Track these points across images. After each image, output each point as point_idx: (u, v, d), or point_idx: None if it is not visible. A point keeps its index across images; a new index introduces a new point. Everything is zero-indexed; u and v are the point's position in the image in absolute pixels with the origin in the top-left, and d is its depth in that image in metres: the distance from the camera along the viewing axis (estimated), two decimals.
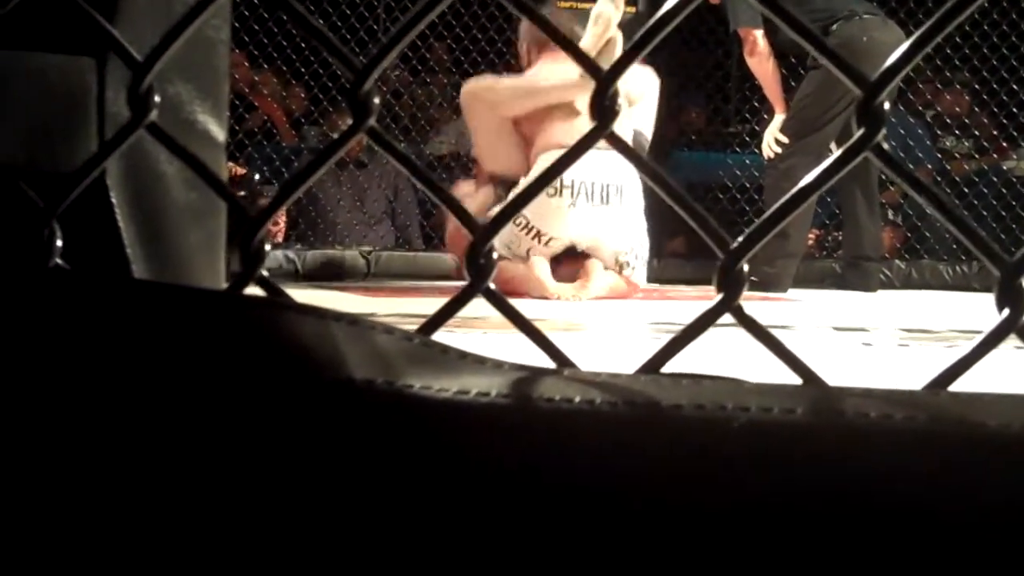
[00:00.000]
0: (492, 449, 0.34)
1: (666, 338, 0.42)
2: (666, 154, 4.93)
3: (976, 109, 5.05)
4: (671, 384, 0.35)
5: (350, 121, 0.47)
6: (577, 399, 0.34)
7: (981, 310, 2.88)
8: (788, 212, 0.41)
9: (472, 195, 3.37)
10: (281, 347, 0.37)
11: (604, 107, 0.43)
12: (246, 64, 4.80)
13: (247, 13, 4.52)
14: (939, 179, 4.78)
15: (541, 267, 2.98)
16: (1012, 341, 0.40)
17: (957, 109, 5.04)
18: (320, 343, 0.37)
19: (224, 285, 0.72)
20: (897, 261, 4.59)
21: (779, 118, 3.89)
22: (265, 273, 0.48)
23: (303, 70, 4.83)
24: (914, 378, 0.38)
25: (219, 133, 0.70)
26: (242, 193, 4.33)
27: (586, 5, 3.09)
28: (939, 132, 5.05)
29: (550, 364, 0.42)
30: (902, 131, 4.74)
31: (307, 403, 0.36)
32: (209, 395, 0.37)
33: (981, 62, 4.81)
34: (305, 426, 0.35)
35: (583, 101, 3.04)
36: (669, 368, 0.41)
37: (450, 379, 0.36)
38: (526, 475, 0.33)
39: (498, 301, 0.45)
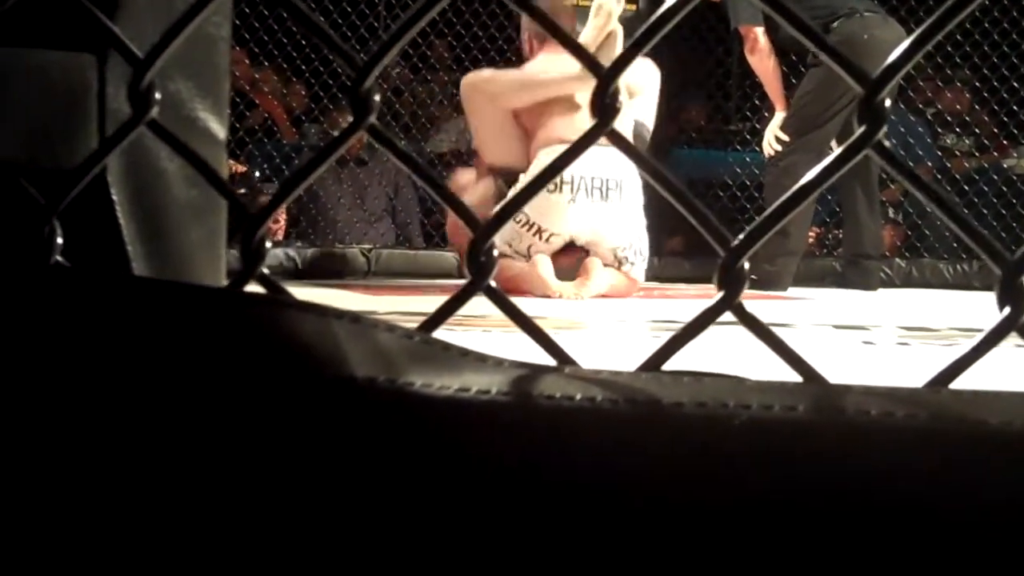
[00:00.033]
0: (493, 447, 0.34)
1: (666, 336, 0.42)
2: (666, 152, 4.93)
3: (976, 107, 5.05)
4: (672, 382, 0.35)
5: (351, 119, 0.47)
6: (578, 397, 0.34)
7: (981, 309, 2.88)
8: (789, 210, 0.41)
9: (472, 185, 3.37)
10: (282, 345, 0.37)
11: (605, 105, 0.43)
12: (247, 61, 4.80)
13: (248, 10, 4.52)
14: (939, 177, 4.78)
15: (544, 265, 2.98)
16: (1013, 339, 0.40)
17: (958, 107, 5.04)
18: (321, 341, 0.37)
19: (225, 283, 0.72)
20: (897, 259, 4.59)
21: (779, 116, 3.89)
22: (265, 271, 0.48)
23: (304, 68, 4.83)
24: (914, 376, 0.38)
25: (220, 130, 0.70)
26: (242, 191, 4.33)
27: (586, 2, 3.08)
28: (939, 130, 5.05)
29: (551, 362, 0.42)
30: (902, 129, 4.74)
31: (308, 401, 0.36)
32: (210, 393, 0.37)
33: (982, 60, 4.81)
34: (306, 424, 0.35)
35: (583, 95, 3.04)
36: (670, 366, 0.41)
37: (451, 377, 0.36)
38: (527, 473, 0.33)
39: (499, 299, 0.45)
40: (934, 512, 0.30)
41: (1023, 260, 0.38)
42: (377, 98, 0.46)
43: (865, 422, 0.31)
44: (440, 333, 0.41)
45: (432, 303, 0.44)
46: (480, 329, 1.68)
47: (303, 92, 5.07)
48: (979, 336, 0.39)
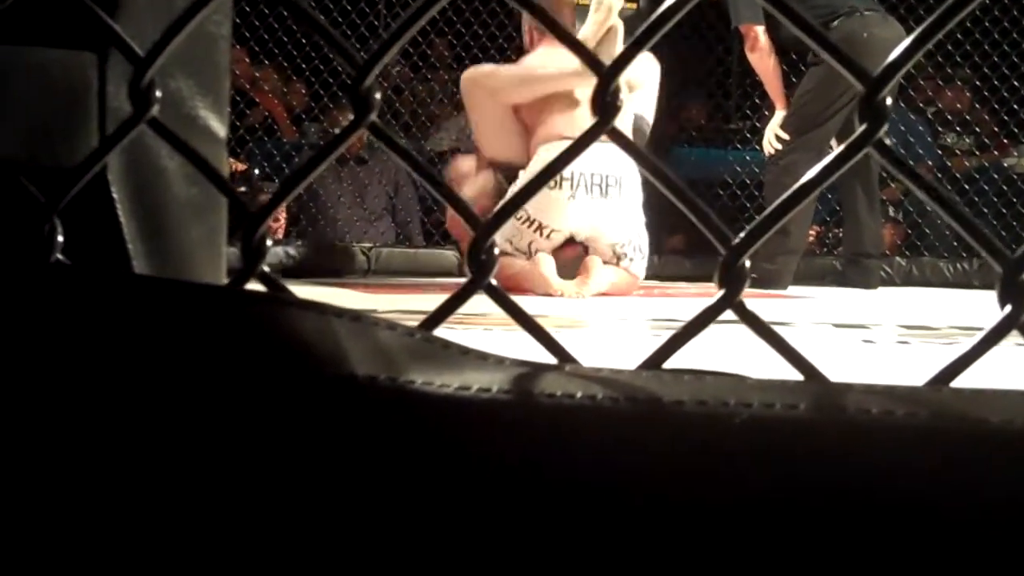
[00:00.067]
0: (494, 445, 0.34)
1: (667, 335, 0.42)
2: (666, 150, 4.93)
3: (977, 106, 5.05)
4: (673, 380, 0.35)
5: (351, 117, 0.47)
6: (579, 395, 0.34)
7: (982, 307, 2.88)
8: (790, 208, 0.41)
9: (471, 174, 3.36)
10: (283, 343, 0.37)
11: (606, 103, 0.43)
12: (247, 60, 4.80)
13: (248, 9, 4.52)
14: (940, 176, 4.78)
15: (546, 264, 2.98)
16: (1013, 338, 0.40)
17: (958, 106, 5.04)
18: (322, 339, 0.37)
19: (225, 281, 0.72)
20: (898, 258, 4.59)
21: (780, 114, 3.89)
22: (266, 269, 0.48)
23: (304, 66, 4.83)
24: (915, 375, 0.38)
25: (220, 129, 0.70)
26: (242, 189, 4.33)
27: (586, 1, 3.08)
28: (940, 129, 5.04)
29: (552, 360, 0.42)
30: (903, 128, 4.74)
31: (309, 399, 0.36)
32: (211, 391, 0.36)
33: (982, 59, 4.81)
34: (307, 422, 0.35)
35: (582, 91, 3.05)
36: (671, 364, 0.41)
37: (452, 375, 0.36)
38: (527, 471, 0.33)
39: (499, 297, 0.45)
40: (935, 510, 0.30)
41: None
42: (378, 96, 0.46)
43: (866, 420, 0.31)
44: (441, 331, 0.41)
45: (432, 302, 0.44)
46: (481, 327, 1.68)
47: (303, 91, 5.08)
48: (980, 334, 0.39)
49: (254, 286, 0.46)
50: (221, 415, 0.36)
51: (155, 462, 0.36)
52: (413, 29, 0.46)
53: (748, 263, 0.41)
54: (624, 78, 0.44)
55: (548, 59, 3.10)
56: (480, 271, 0.44)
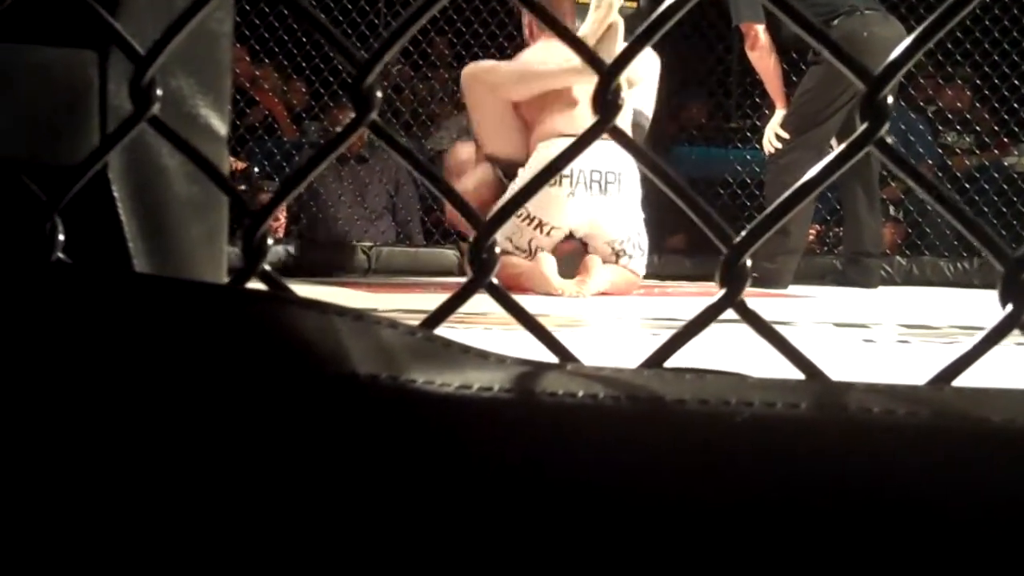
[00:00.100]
0: (495, 444, 0.34)
1: (667, 334, 0.42)
2: (667, 149, 4.93)
3: (977, 105, 5.05)
4: (674, 379, 0.35)
5: (351, 116, 0.47)
6: (580, 394, 0.34)
7: (982, 306, 2.88)
8: (791, 207, 0.41)
9: (471, 163, 3.36)
10: (284, 342, 0.37)
11: (607, 101, 0.43)
12: (247, 59, 4.80)
13: (248, 8, 4.52)
14: (940, 175, 4.77)
15: (548, 263, 2.98)
16: (1014, 337, 0.40)
17: (958, 104, 5.04)
18: (323, 338, 0.37)
19: (226, 279, 0.72)
20: (898, 257, 4.59)
21: (780, 113, 3.88)
22: (267, 267, 0.48)
23: (304, 65, 4.83)
24: (915, 374, 0.38)
25: (221, 127, 0.70)
26: (242, 187, 4.33)
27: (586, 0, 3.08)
28: (940, 128, 5.04)
29: (553, 359, 0.42)
30: (903, 126, 4.74)
31: (310, 398, 0.36)
32: (212, 390, 0.36)
33: (983, 57, 4.81)
34: (308, 421, 0.35)
35: (581, 88, 3.05)
36: (672, 363, 0.41)
37: (453, 374, 0.36)
38: (529, 470, 0.33)
39: (501, 296, 0.45)
40: (936, 509, 0.30)
41: None
42: (379, 95, 0.46)
43: (867, 419, 0.31)
44: (441, 331, 0.41)
45: (433, 301, 0.44)
46: (481, 327, 1.68)
47: (303, 89, 5.07)
48: (981, 333, 0.39)
49: (255, 285, 0.46)
50: (222, 414, 0.36)
51: (156, 462, 0.36)
52: (414, 28, 0.46)
53: (749, 262, 0.41)
54: (624, 75, 0.44)
55: (547, 54, 3.10)
56: (481, 270, 0.44)
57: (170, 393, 0.37)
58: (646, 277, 3.33)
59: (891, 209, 4.87)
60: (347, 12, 4.65)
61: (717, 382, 0.34)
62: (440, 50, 5.20)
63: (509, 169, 3.23)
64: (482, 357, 0.38)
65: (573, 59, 2.96)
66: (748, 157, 4.90)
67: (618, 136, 0.45)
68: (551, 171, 0.46)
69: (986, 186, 4.74)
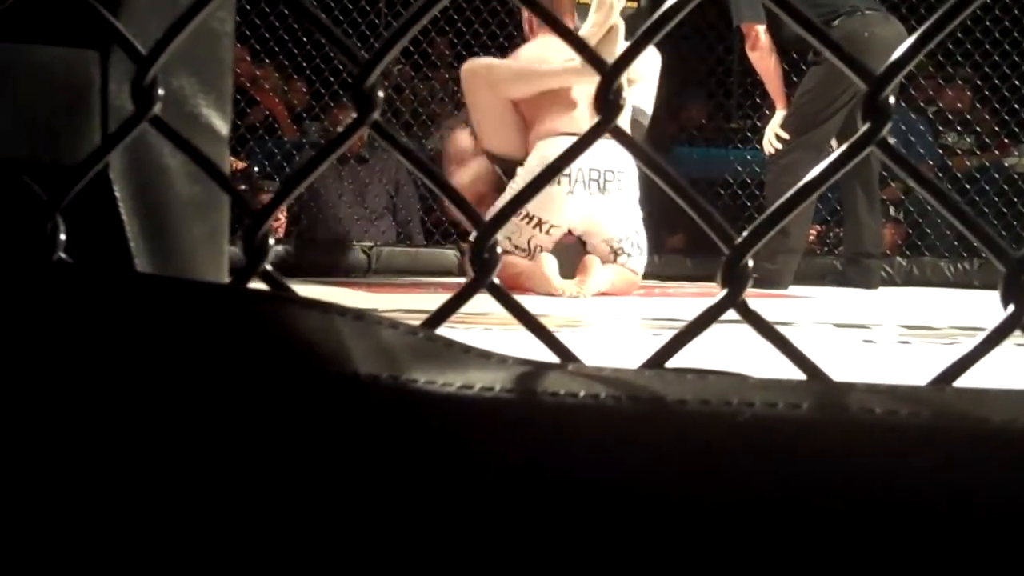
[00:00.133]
0: (496, 443, 0.34)
1: (668, 334, 0.42)
2: (667, 149, 4.93)
3: (978, 105, 5.05)
4: (675, 379, 0.35)
5: (352, 116, 0.47)
6: (581, 394, 0.34)
7: (983, 307, 2.88)
8: (793, 207, 0.41)
9: (469, 152, 3.36)
10: (285, 341, 0.37)
11: (609, 101, 0.43)
12: (248, 59, 4.80)
13: (248, 7, 4.52)
14: (940, 175, 4.77)
15: (549, 264, 2.98)
16: (1014, 338, 0.40)
17: (959, 105, 5.04)
18: (324, 337, 0.37)
19: (227, 279, 0.72)
20: (898, 258, 4.59)
21: (780, 114, 3.89)
22: (269, 267, 0.48)
23: (305, 65, 4.83)
24: (916, 375, 0.38)
25: (222, 127, 0.70)
26: (242, 187, 4.32)
27: (587, 0, 3.08)
28: (941, 128, 5.04)
29: (554, 360, 0.42)
30: (903, 127, 4.74)
31: (312, 398, 0.36)
32: (213, 389, 0.36)
33: (983, 58, 4.81)
34: (310, 421, 0.35)
35: (581, 88, 3.05)
36: (673, 363, 0.41)
37: (454, 374, 0.36)
38: (530, 470, 0.33)
39: (502, 296, 0.45)
40: (937, 510, 0.30)
41: None
42: (381, 95, 0.46)
43: (868, 420, 0.31)
44: (442, 331, 0.41)
45: (433, 301, 0.45)
46: (482, 327, 1.67)
47: (304, 89, 5.07)
48: (983, 334, 0.39)
49: (256, 284, 0.46)
50: (224, 414, 0.36)
51: (158, 461, 0.36)
52: (416, 28, 0.46)
53: (751, 262, 0.41)
54: (624, 74, 0.44)
55: (547, 50, 3.10)
56: (483, 270, 0.44)
57: (172, 393, 0.37)
58: (646, 277, 3.33)
59: (891, 210, 4.87)
60: (347, 12, 4.65)
61: (719, 382, 0.34)
62: (440, 50, 5.20)
63: (507, 166, 3.23)
64: (484, 357, 0.38)
65: (574, 59, 2.97)
66: (748, 157, 4.90)
67: (620, 137, 0.45)
68: (553, 171, 0.47)
69: (986, 187, 4.74)
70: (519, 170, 3.14)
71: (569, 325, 2.03)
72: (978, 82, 4.92)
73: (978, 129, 4.99)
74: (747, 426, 0.32)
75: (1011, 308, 0.38)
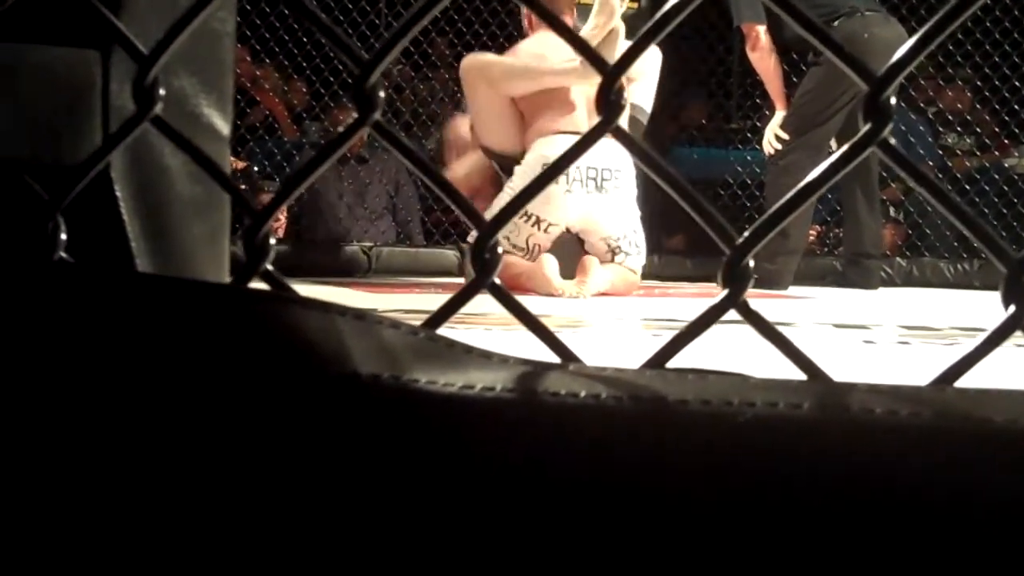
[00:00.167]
0: (497, 443, 0.34)
1: (668, 335, 0.42)
2: (667, 150, 4.93)
3: (978, 106, 5.05)
4: (676, 379, 0.35)
5: (352, 116, 0.47)
6: (582, 394, 0.34)
7: (983, 308, 2.88)
8: (794, 207, 0.41)
9: (467, 136, 3.37)
10: (286, 341, 0.37)
11: (610, 102, 0.43)
12: (248, 59, 4.80)
13: (249, 8, 4.52)
14: (940, 176, 4.77)
15: (549, 264, 2.98)
16: (1015, 339, 0.40)
17: (959, 106, 5.04)
18: (325, 337, 0.37)
19: (228, 279, 0.72)
20: (898, 258, 4.59)
21: (780, 115, 3.89)
22: (269, 267, 0.48)
23: (305, 65, 4.83)
24: (916, 375, 0.38)
25: (223, 127, 0.70)
26: (242, 187, 4.32)
27: (588, 0, 3.08)
28: (941, 129, 5.04)
29: (555, 360, 0.42)
30: (903, 128, 4.74)
31: (312, 397, 0.36)
32: (214, 389, 0.37)
33: (983, 59, 4.81)
34: (310, 420, 0.35)
35: (579, 89, 3.05)
36: (674, 364, 0.41)
37: (456, 374, 0.36)
38: (531, 469, 0.33)
39: (503, 296, 0.45)
40: (938, 510, 0.30)
41: None
42: (382, 95, 0.46)
43: (869, 420, 0.31)
44: (442, 331, 0.41)
45: (433, 301, 0.45)
46: (482, 327, 1.67)
47: (304, 89, 5.07)
48: (984, 335, 0.39)
49: (258, 284, 0.46)
50: (225, 413, 0.36)
51: (159, 461, 0.36)
52: (417, 27, 0.46)
53: (752, 263, 0.41)
54: (625, 74, 0.44)
55: (545, 47, 3.10)
56: (484, 270, 0.44)
57: (173, 392, 0.37)
58: (647, 278, 3.33)
59: (891, 210, 4.87)
60: (347, 12, 4.66)
61: (719, 382, 0.34)
62: (441, 50, 5.20)
63: (504, 162, 3.24)
64: (485, 357, 0.38)
65: (574, 59, 2.97)
66: (748, 158, 4.90)
67: (622, 137, 0.45)
68: (554, 171, 0.47)
69: (986, 188, 4.74)
70: (516, 169, 3.14)
71: (570, 325, 2.03)
72: (978, 83, 4.92)
73: (978, 130, 4.99)
74: (748, 426, 0.32)
75: (1012, 308, 0.38)
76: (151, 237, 0.66)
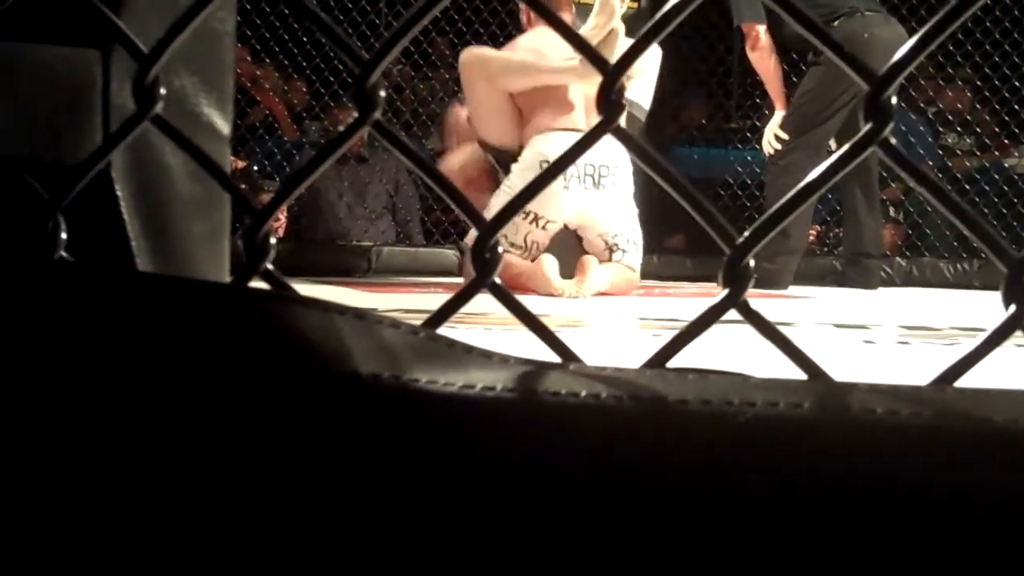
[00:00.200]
0: (498, 443, 0.34)
1: (668, 334, 0.42)
2: (667, 150, 4.93)
3: (978, 106, 5.05)
4: (677, 379, 0.35)
5: (352, 116, 0.47)
6: (583, 393, 0.34)
7: (982, 308, 2.88)
8: (795, 207, 0.41)
9: (466, 128, 3.37)
10: (286, 340, 0.37)
11: (611, 101, 0.43)
12: (248, 59, 4.80)
13: (249, 7, 4.52)
14: (941, 176, 4.77)
15: (549, 264, 2.99)
16: (1015, 339, 0.40)
17: (959, 106, 5.04)
18: (325, 336, 0.37)
19: (228, 278, 0.72)
20: (898, 258, 4.59)
21: (779, 114, 3.89)
22: (270, 267, 0.48)
23: (305, 65, 4.83)
24: (916, 375, 0.38)
25: (223, 126, 0.70)
26: (242, 187, 4.31)
27: (589, 0, 3.08)
28: (941, 129, 5.05)
29: (555, 359, 0.42)
30: (903, 128, 4.74)
31: (313, 397, 0.36)
32: (214, 389, 0.37)
33: (983, 59, 4.81)
34: (311, 420, 0.35)
35: (578, 87, 3.05)
36: (674, 363, 0.41)
37: (456, 373, 0.36)
38: (531, 469, 0.33)
39: (504, 296, 0.45)
40: (939, 509, 0.30)
41: None
42: (382, 94, 0.46)
43: (870, 420, 0.31)
44: (441, 331, 0.41)
45: (433, 301, 0.45)
46: (482, 327, 1.68)
47: (304, 89, 5.07)
48: (984, 334, 0.39)
49: (258, 284, 0.46)
50: (225, 412, 0.36)
51: (159, 460, 0.36)
52: (417, 27, 0.46)
53: (752, 262, 0.41)
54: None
55: (544, 42, 3.11)
56: (484, 270, 0.44)
57: (173, 392, 0.37)
58: (646, 277, 3.33)
59: (891, 210, 4.87)
60: (347, 12, 4.66)
61: (720, 382, 0.34)
62: (441, 50, 5.21)
63: (500, 156, 3.24)
64: (485, 357, 0.38)
65: (573, 58, 2.97)
66: (748, 158, 4.90)
67: (623, 138, 0.45)
68: (555, 171, 0.47)
69: (986, 188, 4.75)
70: (514, 166, 3.15)
71: (570, 325, 2.03)
72: (978, 83, 4.92)
73: (978, 130, 5.00)
74: (749, 426, 0.32)
75: (1012, 308, 0.38)
76: (151, 236, 0.66)
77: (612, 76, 0.43)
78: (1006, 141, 4.95)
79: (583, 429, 0.33)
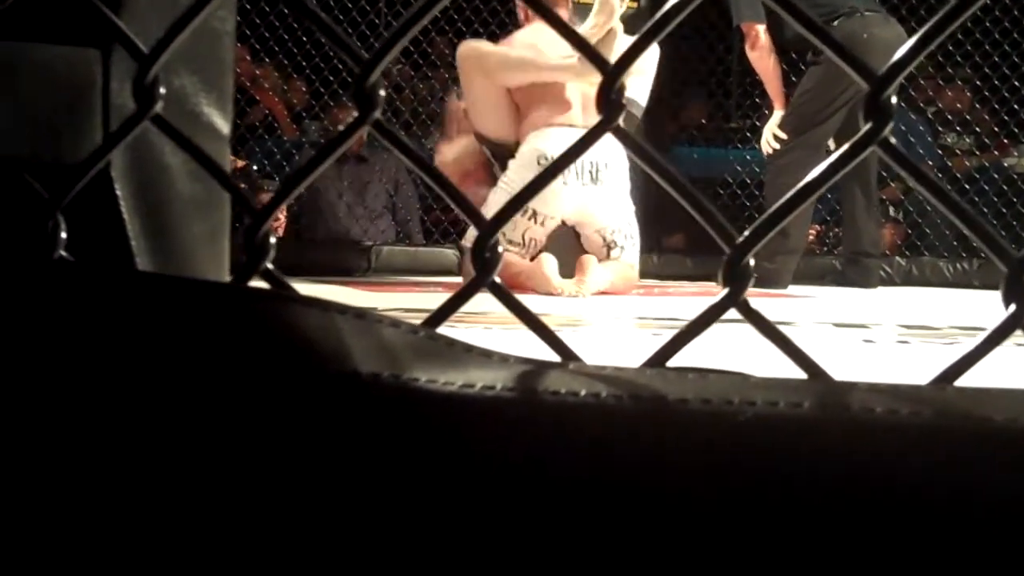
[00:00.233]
0: (497, 442, 0.34)
1: (668, 334, 0.42)
2: (667, 149, 4.93)
3: (977, 106, 5.05)
4: (677, 378, 0.35)
5: (352, 115, 0.47)
6: (583, 392, 0.34)
7: (982, 307, 2.88)
8: (795, 206, 0.41)
9: (463, 119, 3.38)
10: (286, 339, 0.37)
11: (611, 100, 0.43)
12: (248, 58, 4.80)
13: (248, 7, 4.52)
14: (940, 175, 4.78)
15: (549, 264, 2.99)
16: (1015, 338, 0.40)
17: (958, 105, 5.04)
18: (325, 336, 0.37)
19: (228, 278, 0.72)
20: (897, 258, 4.59)
21: (778, 114, 3.89)
22: (270, 266, 0.48)
23: (304, 64, 4.84)
24: (915, 374, 0.38)
25: (223, 125, 0.70)
26: (242, 186, 4.32)
27: (588, 0, 3.08)
28: (940, 129, 5.05)
29: (555, 359, 0.42)
30: (903, 127, 4.74)
31: (312, 396, 0.36)
32: (214, 388, 0.37)
33: (983, 58, 4.81)
34: (310, 419, 0.35)
35: (575, 85, 3.06)
36: (674, 363, 0.41)
37: (456, 372, 0.36)
38: (531, 468, 0.33)
39: (504, 295, 0.45)
40: (938, 509, 0.30)
41: None
42: (382, 94, 0.46)
43: (870, 419, 0.31)
44: (441, 330, 0.41)
45: (432, 300, 0.45)
46: (481, 326, 1.68)
47: (304, 89, 5.07)
48: (984, 334, 0.39)
49: (258, 283, 0.46)
50: (225, 412, 0.36)
51: (158, 459, 0.36)
52: (416, 27, 0.46)
53: (752, 262, 0.41)
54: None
55: (541, 38, 3.11)
56: (484, 269, 0.44)
57: (173, 391, 0.37)
58: (646, 276, 3.33)
59: (891, 210, 4.87)
60: (347, 11, 4.66)
61: (720, 381, 0.34)
62: (440, 49, 5.20)
63: (497, 149, 3.24)
64: (485, 356, 0.38)
65: (571, 56, 2.97)
66: (748, 157, 4.90)
67: (623, 137, 0.45)
68: (554, 170, 0.47)
69: (986, 187, 4.75)
70: (511, 163, 3.15)
71: (569, 324, 2.03)
72: (978, 83, 4.92)
73: (977, 130, 5.00)
74: (748, 425, 0.32)
75: (1012, 307, 0.38)
76: (151, 236, 0.66)
77: (612, 76, 0.43)
78: (1005, 141, 4.95)
79: (583, 428, 0.33)
